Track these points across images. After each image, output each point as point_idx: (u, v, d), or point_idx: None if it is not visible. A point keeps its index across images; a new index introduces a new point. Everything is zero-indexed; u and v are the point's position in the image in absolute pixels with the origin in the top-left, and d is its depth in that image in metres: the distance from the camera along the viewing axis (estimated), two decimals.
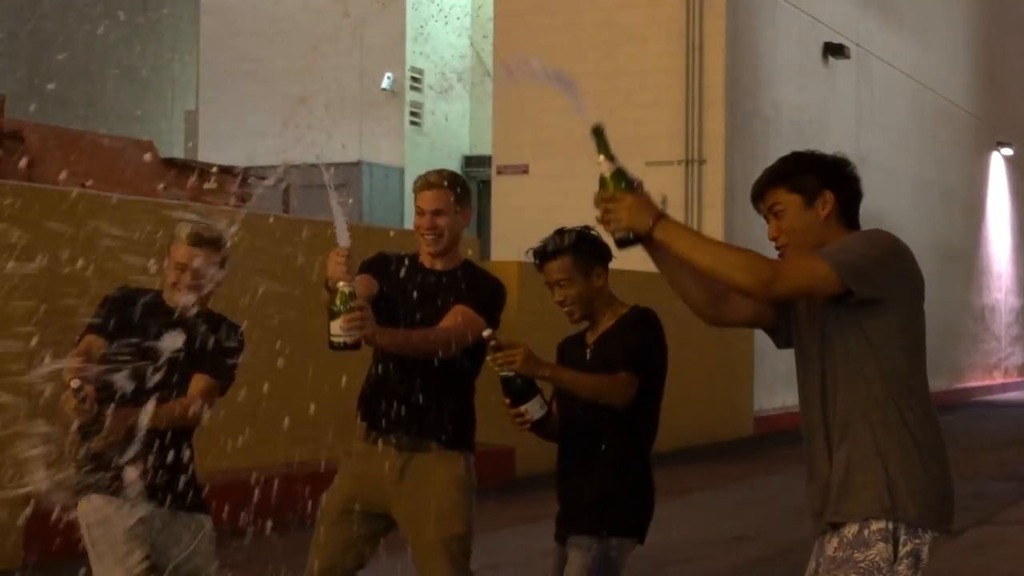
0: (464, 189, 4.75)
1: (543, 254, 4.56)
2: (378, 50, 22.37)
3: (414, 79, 22.69)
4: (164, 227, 8.72)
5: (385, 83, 22.33)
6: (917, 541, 3.36)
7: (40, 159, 12.16)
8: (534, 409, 4.26)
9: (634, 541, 4.57)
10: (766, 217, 3.60)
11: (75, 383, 4.08)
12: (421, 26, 22.68)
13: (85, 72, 27.08)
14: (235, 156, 18.88)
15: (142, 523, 4.43)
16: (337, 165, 21.83)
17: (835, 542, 3.42)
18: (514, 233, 17.01)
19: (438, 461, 4.62)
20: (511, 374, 4.22)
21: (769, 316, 3.67)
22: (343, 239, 4.20)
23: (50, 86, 25.72)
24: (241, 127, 22.30)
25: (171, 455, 4.42)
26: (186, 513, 4.52)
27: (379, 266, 4.72)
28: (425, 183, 4.73)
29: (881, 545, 3.35)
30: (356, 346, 4.21)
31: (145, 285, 4.66)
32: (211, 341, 4.51)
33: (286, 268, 9.29)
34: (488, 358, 4.31)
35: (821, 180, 3.52)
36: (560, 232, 4.57)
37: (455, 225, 4.71)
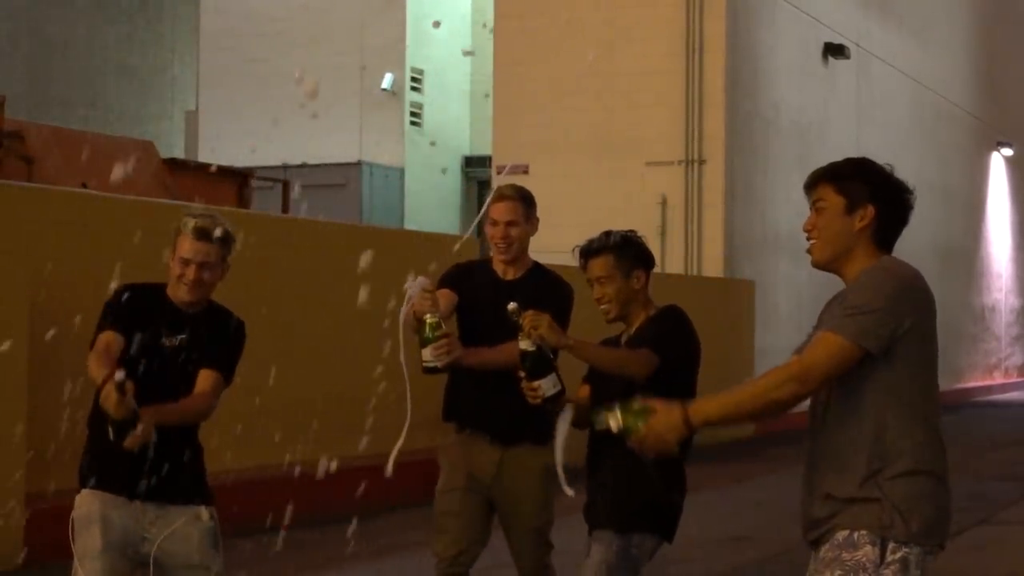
0: (532, 202, 5.28)
1: (587, 251, 4.75)
2: (378, 50, 22.36)
3: (414, 79, 22.69)
4: (166, 229, 8.70)
5: (385, 83, 22.32)
6: (906, 551, 3.43)
7: (41, 159, 12.15)
8: (547, 386, 4.41)
9: (657, 539, 4.66)
10: (811, 208, 3.64)
11: (119, 375, 3.99)
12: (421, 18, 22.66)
13: (85, 72, 27.08)
14: (235, 157, 18.87)
15: (131, 518, 4.42)
16: (337, 165, 21.84)
17: (826, 545, 3.51)
18: None
19: (529, 455, 5.13)
20: (532, 348, 4.37)
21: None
22: (424, 280, 4.70)
23: (50, 86, 25.73)
24: (241, 127, 22.28)
25: (170, 451, 4.39)
26: (183, 505, 4.48)
27: (458, 279, 5.22)
28: (500, 195, 5.26)
29: (869, 548, 3.42)
30: (446, 369, 4.85)
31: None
32: (215, 335, 4.49)
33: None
34: (519, 331, 4.40)
35: (870, 193, 3.55)
36: (607, 232, 4.76)
37: (525, 235, 5.23)
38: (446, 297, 5.07)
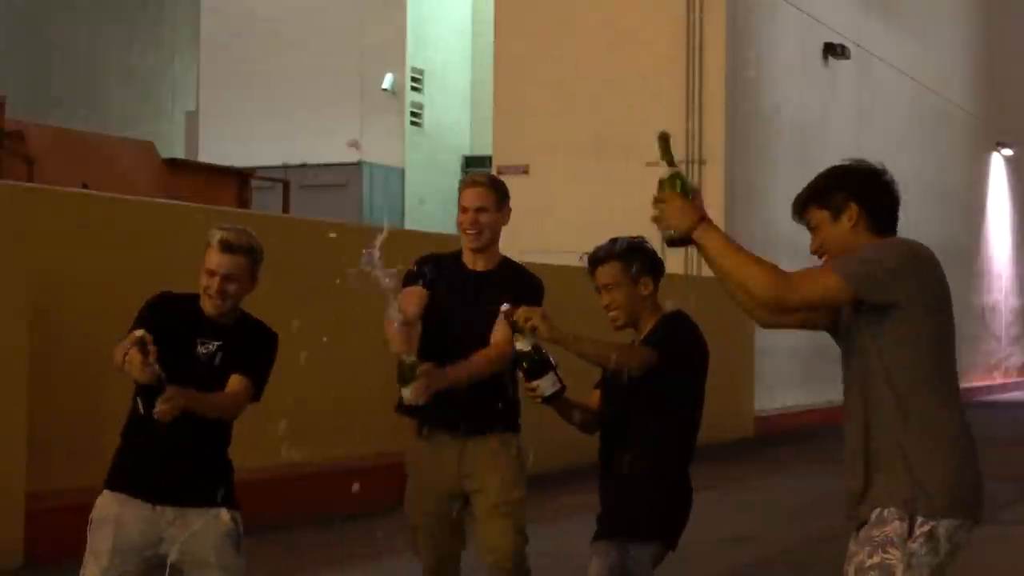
0: (504, 191, 5.13)
1: (594, 259, 4.72)
2: (378, 50, 22.36)
3: (414, 79, 22.69)
4: (166, 229, 8.72)
5: (386, 83, 22.33)
6: (933, 523, 3.51)
7: (41, 160, 12.16)
8: (545, 385, 4.42)
9: (658, 546, 4.61)
10: (810, 232, 3.78)
11: (139, 332, 4.07)
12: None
13: (86, 73, 27.08)
14: (235, 157, 18.86)
15: (148, 521, 4.44)
16: (337, 165, 21.84)
17: (863, 528, 3.61)
18: (515, 233, 16.84)
19: (493, 441, 4.99)
20: (528, 348, 4.37)
21: (819, 320, 3.81)
22: (395, 314, 4.53)
23: (50, 87, 25.73)
24: (241, 128, 22.28)
25: (197, 458, 4.46)
26: (202, 507, 4.50)
27: (426, 274, 5.03)
28: (470, 182, 5.15)
29: (897, 523, 3.52)
30: (427, 406, 4.69)
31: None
32: (248, 347, 4.53)
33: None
34: (514, 332, 4.40)
35: (847, 194, 3.69)
36: (614, 240, 4.73)
37: (496, 223, 5.09)
38: (417, 296, 4.91)
